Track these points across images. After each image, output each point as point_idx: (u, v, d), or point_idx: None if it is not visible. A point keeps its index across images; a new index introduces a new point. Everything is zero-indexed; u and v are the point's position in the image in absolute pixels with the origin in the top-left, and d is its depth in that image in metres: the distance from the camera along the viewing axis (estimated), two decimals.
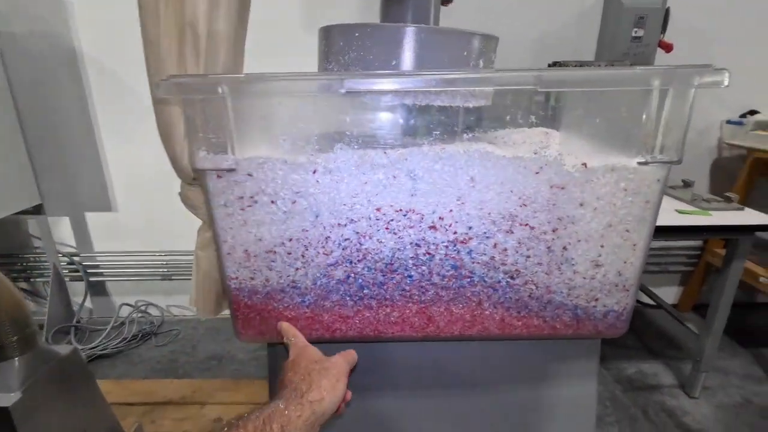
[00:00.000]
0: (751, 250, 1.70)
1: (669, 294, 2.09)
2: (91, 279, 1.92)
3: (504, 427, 0.55)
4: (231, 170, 0.42)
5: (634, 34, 1.52)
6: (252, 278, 0.46)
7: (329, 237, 0.44)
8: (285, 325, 0.49)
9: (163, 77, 0.46)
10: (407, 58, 0.46)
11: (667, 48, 1.54)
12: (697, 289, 1.97)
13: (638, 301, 2.05)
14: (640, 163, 0.42)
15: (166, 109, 0.49)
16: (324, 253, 0.45)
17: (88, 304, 1.97)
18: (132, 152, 1.73)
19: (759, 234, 1.62)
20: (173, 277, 1.92)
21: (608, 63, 1.48)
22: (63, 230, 1.88)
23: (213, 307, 0.60)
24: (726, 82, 0.37)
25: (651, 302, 1.94)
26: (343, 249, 0.45)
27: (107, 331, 1.81)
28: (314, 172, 0.42)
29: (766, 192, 1.83)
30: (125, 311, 1.93)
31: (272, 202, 0.43)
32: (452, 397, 0.53)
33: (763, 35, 1.69)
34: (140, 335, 1.85)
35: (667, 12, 1.50)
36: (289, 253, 0.45)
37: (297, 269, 0.46)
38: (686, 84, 0.38)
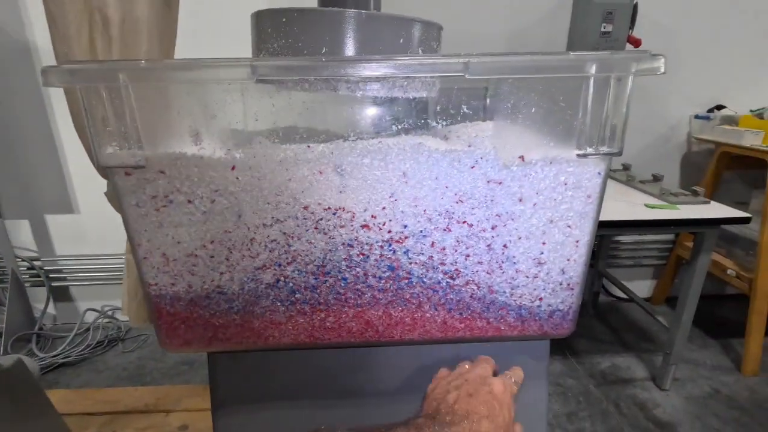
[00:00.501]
0: (720, 243, 1.73)
1: (642, 287, 2.11)
2: (54, 284, 1.84)
3: None
4: (140, 167, 0.38)
5: (603, 29, 1.52)
6: (173, 284, 0.43)
7: (254, 238, 0.41)
8: None
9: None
10: (339, 45, 0.43)
11: (636, 43, 1.54)
12: (669, 282, 2.00)
13: (612, 295, 2.07)
14: (579, 156, 0.40)
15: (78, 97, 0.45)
16: (250, 256, 0.42)
17: (50, 310, 1.89)
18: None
19: (726, 227, 1.65)
20: None
21: None
22: (22, 234, 1.79)
23: (147, 315, 0.56)
24: (662, 69, 0.35)
25: (624, 296, 1.96)
26: (270, 251, 0.42)
27: (71, 337, 1.74)
28: (233, 168, 0.39)
29: (733, 185, 1.86)
30: (90, 316, 1.86)
31: (189, 201, 0.40)
32: (398, 403, 0.51)
33: (728, 31, 1.71)
34: (106, 341, 1.79)
35: (635, 7, 1.51)
36: (212, 257, 0.42)
37: (222, 273, 0.42)
38: (623, 70, 0.36)
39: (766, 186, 1.47)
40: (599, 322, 1.94)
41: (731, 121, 1.69)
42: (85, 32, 0.43)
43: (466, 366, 0.43)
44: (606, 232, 1.75)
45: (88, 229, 1.81)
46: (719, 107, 1.77)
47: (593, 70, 0.36)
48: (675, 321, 1.43)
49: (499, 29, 1.69)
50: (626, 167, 1.73)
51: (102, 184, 1.73)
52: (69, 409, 1.32)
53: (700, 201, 1.37)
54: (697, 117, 1.78)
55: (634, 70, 0.36)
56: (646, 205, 1.36)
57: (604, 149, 0.39)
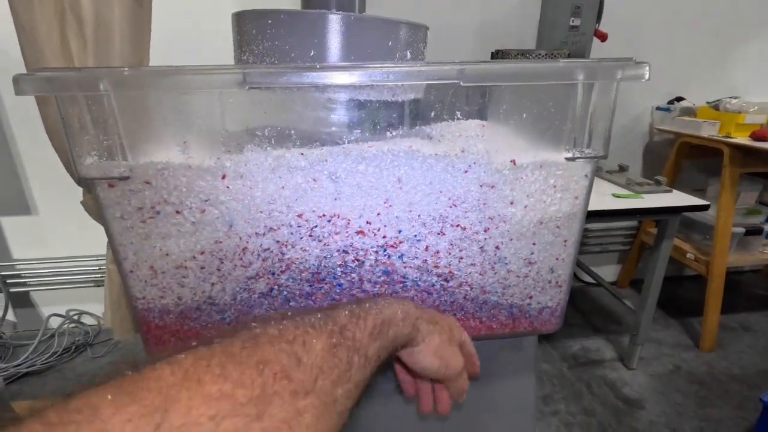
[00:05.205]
0: (680, 229, 1.83)
1: (609, 272, 2.22)
2: (12, 290, 1.74)
3: (447, 427, 0.54)
4: (124, 178, 0.36)
5: (571, 23, 1.56)
6: (162, 297, 0.41)
7: (246, 248, 0.40)
8: None
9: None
10: (326, 48, 0.43)
11: (602, 37, 1.59)
12: (634, 266, 2.10)
13: (581, 280, 2.16)
14: (567, 159, 0.41)
15: (53, 104, 0.42)
16: (242, 266, 0.41)
17: (10, 317, 1.79)
18: (50, 146, 1.57)
19: (685, 214, 1.74)
20: None
21: (548, 52, 1.51)
22: None
23: (132, 326, 0.54)
24: (647, 76, 0.37)
25: (593, 281, 2.04)
26: (263, 260, 0.41)
27: (35, 345, 1.65)
28: (223, 177, 0.38)
29: (691, 174, 1.97)
30: (55, 322, 1.77)
31: (177, 212, 0.38)
32: (393, 403, 0.51)
33: (688, 26, 1.79)
34: (74, 347, 1.71)
35: (601, 2, 1.55)
36: (203, 268, 0.40)
37: (213, 284, 0.41)
38: (609, 77, 0.37)
39: (721, 174, 1.57)
40: (570, 307, 2.02)
41: (690, 112, 1.78)
42: (56, 34, 0.40)
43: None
44: None
45: (49, 230, 1.71)
46: (678, 99, 1.86)
47: (581, 77, 0.37)
48: (640, 304, 1.51)
49: (468, 23, 1.70)
50: None
51: (64, 183, 1.64)
52: None
53: (663, 190, 1.44)
54: (658, 108, 1.87)
55: (620, 77, 0.37)
56: (614, 195, 1.42)
57: (591, 152, 0.41)
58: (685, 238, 1.82)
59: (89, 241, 1.72)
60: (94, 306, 1.83)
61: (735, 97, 1.70)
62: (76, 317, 1.81)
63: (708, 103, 1.75)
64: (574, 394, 1.49)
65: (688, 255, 1.72)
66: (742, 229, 1.64)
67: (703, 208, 1.33)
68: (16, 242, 1.72)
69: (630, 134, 1.95)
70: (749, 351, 1.69)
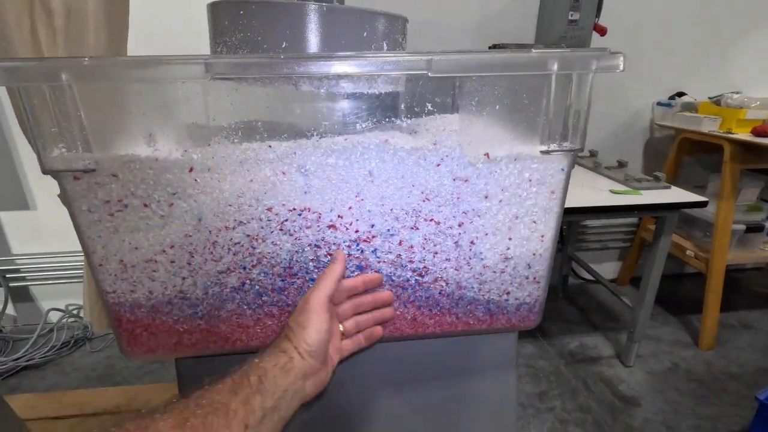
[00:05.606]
0: (680, 226, 1.81)
1: (609, 269, 2.20)
2: (12, 284, 1.75)
3: (427, 426, 0.54)
4: (90, 171, 0.36)
5: (570, 17, 1.54)
6: (132, 291, 0.41)
7: (216, 242, 0.40)
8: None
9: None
10: (298, 39, 0.42)
11: (602, 31, 1.57)
12: (634, 263, 2.08)
13: (580, 277, 2.14)
14: (543, 152, 0.40)
15: None
16: (213, 260, 0.41)
17: (10, 311, 1.80)
18: None
19: (686, 210, 1.72)
20: None
21: (546, 46, 1.49)
22: None
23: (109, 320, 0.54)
24: (621, 66, 0.36)
25: (592, 278, 2.03)
26: (233, 254, 0.41)
27: (34, 339, 1.66)
28: (190, 170, 0.37)
29: (692, 170, 1.94)
30: (54, 317, 1.78)
31: (145, 205, 0.38)
32: (371, 401, 0.51)
33: (690, 20, 1.76)
34: (72, 341, 1.72)
35: None
36: (173, 262, 0.40)
37: (184, 278, 0.41)
38: (583, 68, 0.36)
39: (722, 170, 1.54)
40: (568, 303, 2.01)
41: (691, 107, 1.75)
42: (26, 24, 0.40)
43: None
44: (574, 218, 1.80)
45: (48, 225, 1.72)
46: (680, 94, 1.83)
47: (555, 67, 0.36)
48: (638, 300, 1.49)
49: (466, 17, 1.69)
50: (593, 153, 1.78)
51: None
52: (33, 414, 1.27)
53: (662, 186, 1.42)
54: (659, 104, 1.84)
55: (595, 68, 0.37)
56: (612, 191, 1.40)
57: (567, 145, 0.40)
58: (685, 235, 1.80)
59: None
60: None
61: (737, 92, 1.67)
62: (75, 312, 1.82)
63: (709, 98, 1.73)
64: (570, 391, 1.48)
65: (688, 252, 1.70)
66: (742, 226, 1.62)
67: (702, 204, 1.32)
68: (16, 237, 1.73)
69: (630, 130, 1.93)
70: (749, 349, 1.67)
